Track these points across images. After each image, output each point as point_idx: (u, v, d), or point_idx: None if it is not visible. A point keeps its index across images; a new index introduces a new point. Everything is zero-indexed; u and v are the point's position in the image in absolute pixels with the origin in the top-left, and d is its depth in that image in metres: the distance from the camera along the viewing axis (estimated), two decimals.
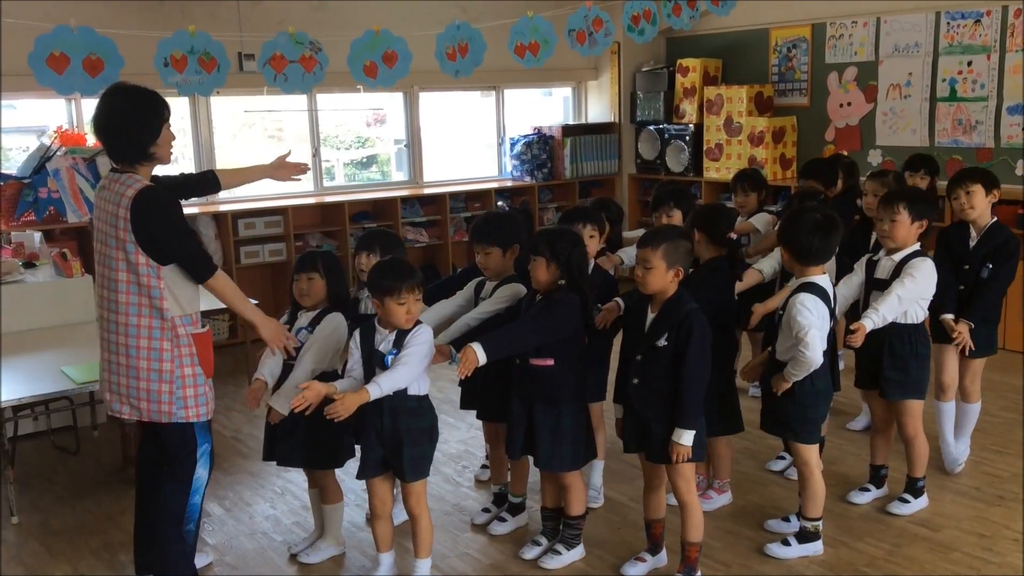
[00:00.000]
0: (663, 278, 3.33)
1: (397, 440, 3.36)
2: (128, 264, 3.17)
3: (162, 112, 3.24)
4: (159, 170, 3.40)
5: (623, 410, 3.55)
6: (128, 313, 3.20)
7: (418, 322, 3.39)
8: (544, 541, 3.80)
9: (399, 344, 3.32)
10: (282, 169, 3.98)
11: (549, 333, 3.44)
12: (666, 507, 3.66)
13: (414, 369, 3.30)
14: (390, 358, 3.32)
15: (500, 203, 7.52)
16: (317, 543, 3.88)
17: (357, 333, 3.43)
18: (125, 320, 3.21)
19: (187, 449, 3.34)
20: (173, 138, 3.31)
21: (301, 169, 3.99)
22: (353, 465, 3.65)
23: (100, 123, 3.24)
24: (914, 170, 5.52)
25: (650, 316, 3.40)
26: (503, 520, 4.01)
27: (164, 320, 3.21)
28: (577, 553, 3.74)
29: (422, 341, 3.33)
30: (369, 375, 3.35)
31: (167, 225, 3.20)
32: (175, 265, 3.22)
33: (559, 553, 3.71)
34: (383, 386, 3.24)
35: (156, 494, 3.40)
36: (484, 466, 4.66)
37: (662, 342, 3.33)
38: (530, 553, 3.78)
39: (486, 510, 4.15)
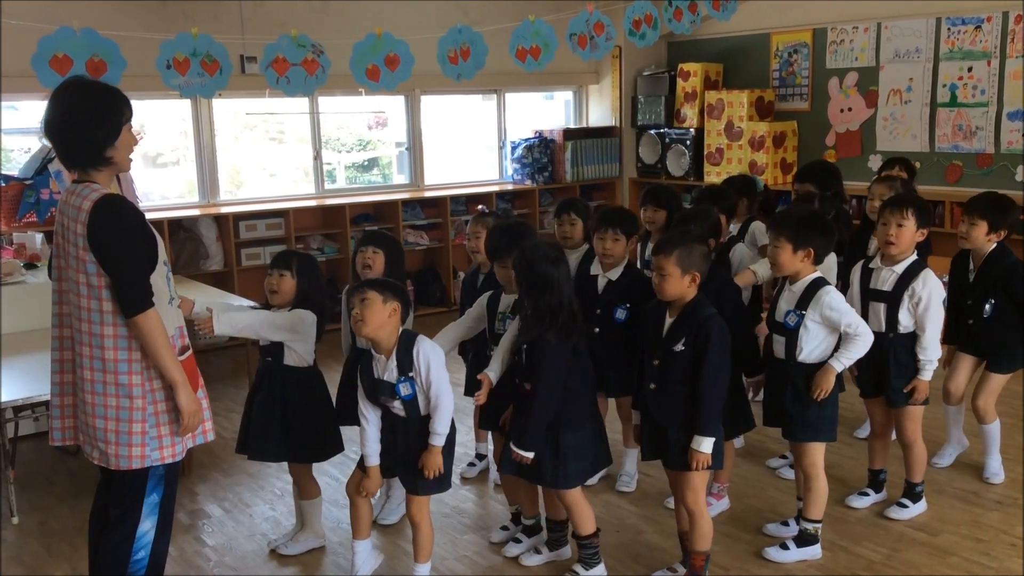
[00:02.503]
0: (679, 284, 3.29)
1: (409, 455, 3.37)
2: (90, 288, 2.81)
3: (122, 110, 2.85)
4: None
5: (640, 416, 3.53)
6: (93, 344, 2.84)
7: (408, 334, 3.33)
8: (545, 550, 3.76)
9: (405, 369, 3.28)
10: None
11: (551, 390, 3.35)
12: None
13: (451, 400, 3.31)
14: (402, 387, 3.28)
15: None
16: (297, 535, 3.91)
17: (359, 379, 3.41)
18: (91, 352, 2.85)
19: (133, 496, 2.97)
20: (135, 142, 2.92)
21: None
22: (348, 465, 3.66)
23: (51, 122, 2.83)
24: (891, 168, 5.56)
25: (668, 321, 3.36)
26: (518, 541, 3.88)
27: (132, 351, 2.84)
28: (598, 571, 3.59)
29: (435, 364, 3.27)
30: (377, 405, 3.37)
31: (119, 237, 2.78)
32: (151, 280, 2.85)
33: (578, 573, 3.58)
34: (443, 431, 3.31)
35: (99, 545, 3.06)
36: (471, 464, 4.67)
37: (679, 347, 3.29)
38: (530, 560, 3.75)
39: (504, 528, 4.03)
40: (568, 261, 3.55)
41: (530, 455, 3.38)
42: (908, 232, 3.84)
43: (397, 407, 3.34)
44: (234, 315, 3.53)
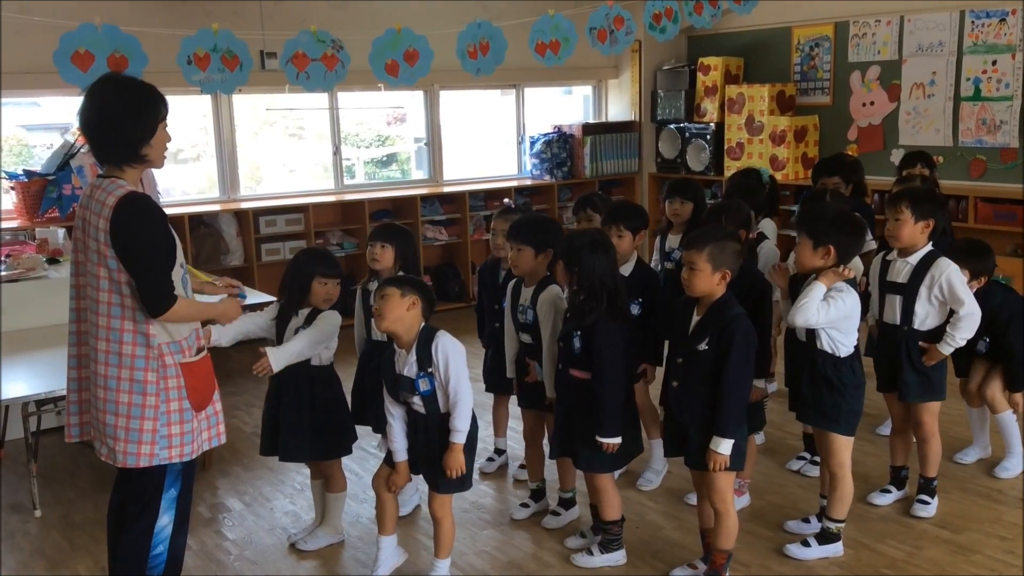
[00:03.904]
0: (709, 280, 3.27)
1: (430, 452, 3.38)
2: (111, 283, 2.82)
3: (159, 108, 2.88)
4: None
5: (663, 413, 3.53)
6: (110, 339, 2.84)
7: (429, 329, 3.33)
8: (590, 534, 3.81)
9: (424, 364, 3.28)
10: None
11: (616, 373, 3.43)
12: None
13: (470, 396, 3.31)
14: (421, 382, 3.28)
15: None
16: (316, 531, 3.93)
17: (382, 374, 3.44)
18: (107, 347, 2.85)
19: (151, 492, 2.99)
20: (169, 139, 2.94)
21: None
22: (367, 460, 3.69)
23: (88, 117, 2.85)
24: (911, 165, 5.49)
25: (695, 319, 3.34)
26: (557, 514, 4.00)
27: (150, 348, 2.86)
28: (614, 559, 3.65)
29: (454, 359, 3.27)
30: (399, 402, 3.38)
31: (141, 235, 2.80)
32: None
33: (592, 554, 3.66)
34: (464, 427, 3.30)
35: (117, 541, 3.09)
36: (490, 459, 4.68)
37: (703, 346, 3.27)
38: (573, 542, 3.81)
39: (524, 505, 4.15)
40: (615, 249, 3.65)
41: (617, 440, 3.43)
42: (906, 225, 3.81)
43: (417, 403, 3.34)
44: (287, 347, 3.59)
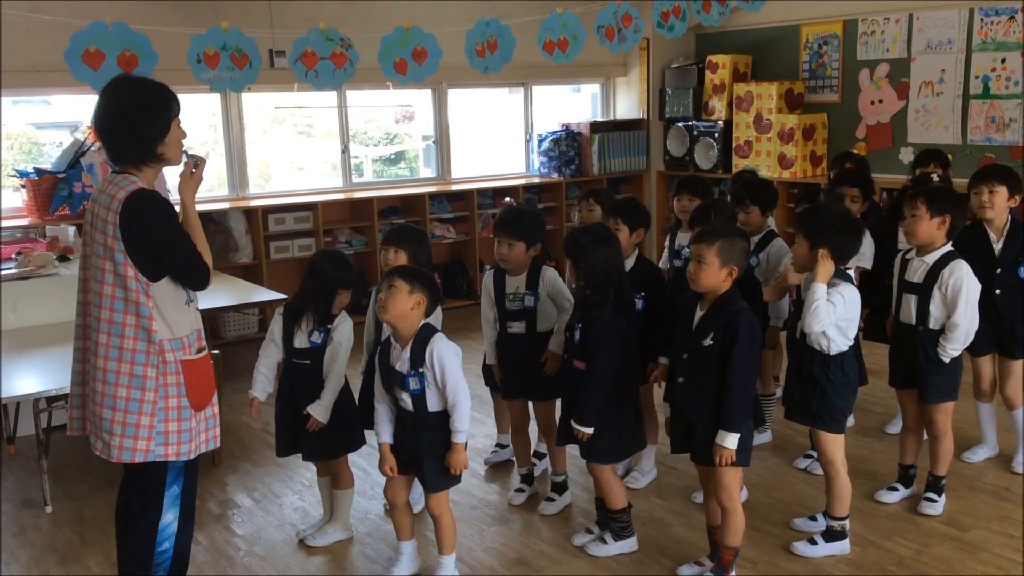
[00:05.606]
0: (716, 276, 3.27)
1: (418, 454, 3.38)
2: (116, 276, 2.83)
3: (171, 106, 2.91)
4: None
5: (670, 409, 3.54)
6: (111, 333, 2.85)
7: (427, 329, 3.33)
8: (596, 530, 3.83)
9: (417, 362, 3.28)
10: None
11: (608, 367, 3.47)
12: None
13: (468, 398, 3.32)
14: (411, 380, 3.28)
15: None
16: (325, 527, 3.95)
17: (377, 362, 3.45)
18: (108, 341, 2.86)
19: (154, 489, 3.01)
20: (184, 136, 2.98)
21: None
22: (374, 457, 3.69)
23: (102, 120, 2.88)
24: (924, 165, 5.46)
25: (698, 314, 3.35)
26: (551, 500, 4.09)
27: (152, 343, 2.86)
28: (627, 545, 3.73)
29: (450, 364, 3.27)
30: (389, 394, 3.41)
31: (161, 231, 2.86)
32: (166, 280, 2.90)
33: (605, 542, 3.73)
34: (465, 428, 3.32)
35: (125, 537, 3.12)
36: (494, 451, 4.71)
37: (708, 341, 3.27)
38: (580, 539, 3.83)
39: (520, 490, 4.24)
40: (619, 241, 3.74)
41: (589, 430, 3.49)
42: (921, 221, 3.80)
43: (405, 399, 3.34)
44: (327, 396, 3.67)
